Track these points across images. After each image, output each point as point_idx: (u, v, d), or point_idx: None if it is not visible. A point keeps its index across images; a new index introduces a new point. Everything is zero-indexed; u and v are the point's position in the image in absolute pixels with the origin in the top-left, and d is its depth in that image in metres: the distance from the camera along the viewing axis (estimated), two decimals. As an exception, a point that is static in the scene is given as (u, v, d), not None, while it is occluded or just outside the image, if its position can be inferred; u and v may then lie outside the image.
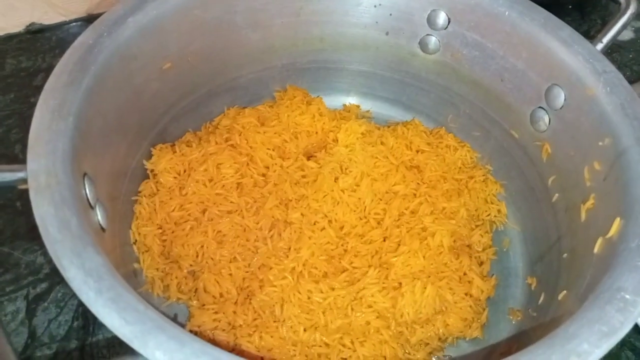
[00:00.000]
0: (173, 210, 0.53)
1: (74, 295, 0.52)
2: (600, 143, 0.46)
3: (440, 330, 0.49)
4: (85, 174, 0.40)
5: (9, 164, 0.60)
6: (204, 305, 0.50)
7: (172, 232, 0.53)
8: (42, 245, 0.59)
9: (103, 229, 0.42)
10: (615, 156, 0.44)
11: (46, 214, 0.33)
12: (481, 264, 0.55)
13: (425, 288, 0.49)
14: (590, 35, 0.80)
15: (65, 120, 0.39)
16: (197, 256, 0.52)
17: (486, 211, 0.59)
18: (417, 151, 0.61)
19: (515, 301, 0.54)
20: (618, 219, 0.41)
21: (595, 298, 0.35)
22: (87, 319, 0.52)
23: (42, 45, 0.76)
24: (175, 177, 0.55)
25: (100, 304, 0.30)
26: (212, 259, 0.51)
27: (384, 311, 0.49)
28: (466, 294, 0.51)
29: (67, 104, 0.40)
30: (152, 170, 0.55)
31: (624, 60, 0.80)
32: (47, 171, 0.36)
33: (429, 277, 0.50)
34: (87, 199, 0.39)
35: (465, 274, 0.52)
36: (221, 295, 0.50)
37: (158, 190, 0.55)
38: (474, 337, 0.51)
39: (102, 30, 0.47)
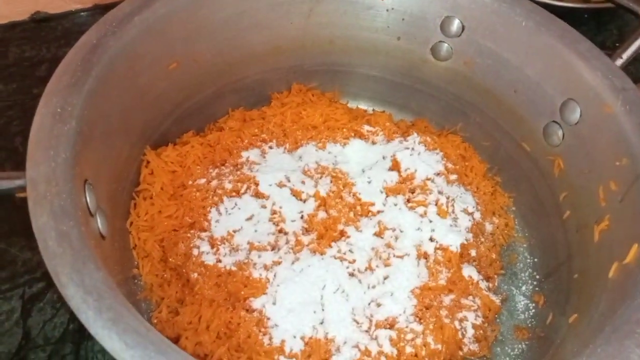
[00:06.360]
0: (169, 216, 0.52)
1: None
2: (617, 163, 0.45)
3: (457, 354, 0.48)
4: (86, 181, 0.39)
5: (8, 157, 0.61)
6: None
7: (170, 238, 0.51)
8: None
9: (103, 237, 0.41)
10: (634, 178, 0.43)
11: (45, 226, 0.32)
12: (488, 279, 0.53)
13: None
14: (606, 46, 0.78)
15: (67, 124, 0.38)
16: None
17: (494, 224, 0.58)
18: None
19: (521, 319, 0.53)
20: (636, 245, 0.39)
21: (613, 330, 0.33)
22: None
23: (47, 34, 0.74)
24: (172, 180, 0.54)
25: (99, 325, 0.29)
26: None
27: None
28: (475, 311, 0.49)
29: (69, 107, 0.39)
30: (150, 173, 0.54)
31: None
32: (47, 179, 0.34)
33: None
34: (88, 207, 0.38)
35: (473, 289, 0.50)
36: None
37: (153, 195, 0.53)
38: (481, 355, 0.50)
39: (106, 29, 0.45)
